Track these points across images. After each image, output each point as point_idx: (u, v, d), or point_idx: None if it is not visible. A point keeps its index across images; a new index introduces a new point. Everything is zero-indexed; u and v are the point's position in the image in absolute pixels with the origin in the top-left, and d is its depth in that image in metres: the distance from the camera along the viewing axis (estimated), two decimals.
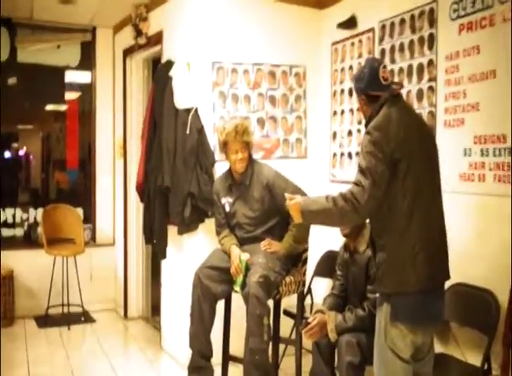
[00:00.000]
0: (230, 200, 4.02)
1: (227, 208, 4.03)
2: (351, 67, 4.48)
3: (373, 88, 2.74)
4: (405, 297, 2.59)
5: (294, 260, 4.01)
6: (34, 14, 5.61)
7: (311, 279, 4.28)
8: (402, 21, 3.94)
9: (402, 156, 2.53)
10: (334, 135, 4.72)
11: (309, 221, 2.81)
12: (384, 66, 2.79)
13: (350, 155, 4.52)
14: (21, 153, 6.59)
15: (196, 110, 4.34)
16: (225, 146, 3.93)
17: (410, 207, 2.55)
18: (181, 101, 4.37)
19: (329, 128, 4.77)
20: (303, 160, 4.85)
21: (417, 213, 2.56)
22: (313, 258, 4.29)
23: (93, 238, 6.18)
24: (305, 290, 4.13)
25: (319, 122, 4.85)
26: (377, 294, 2.84)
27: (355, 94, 2.97)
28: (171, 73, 4.48)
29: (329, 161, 4.77)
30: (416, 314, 2.59)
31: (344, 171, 4.60)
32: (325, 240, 4.40)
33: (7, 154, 6.47)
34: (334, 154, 4.72)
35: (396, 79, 3.94)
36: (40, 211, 6.00)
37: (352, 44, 4.47)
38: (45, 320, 5.56)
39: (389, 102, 2.70)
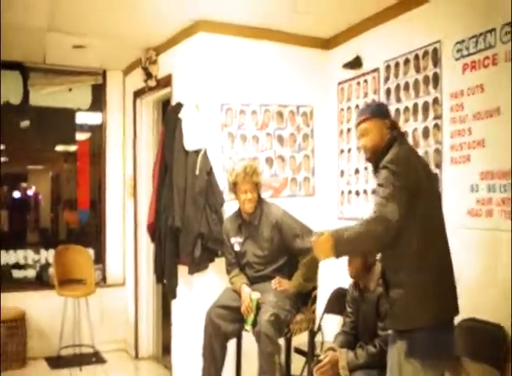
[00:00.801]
0: (240, 239, 4.08)
1: (237, 248, 4.09)
2: (357, 106, 4.55)
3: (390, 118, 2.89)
4: (421, 333, 2.61)
5: (304, 298, 4.03)
6: (47, 58, 5.72)
7: (322, 316, 4.29)
8: (407, 61, 4.02)
9: (416, 192, 2.59)
10: (342, 173, 4.77)
11: (343, 250, 2.68)
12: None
13: (358, 192, 4.56)
14: (30, 193, 6.65)
15: (205, 152, 4.41)
16: (234, 186, 4.02)
17: (424, 244, 2.60)
18: (190, 142, 4.45)
19: (337, 166, 4.83)
20: (311, 198, 4.89)
21: (430, 250, 2.62)
22: (323, 295, 4.30)
23: (104, 278, 6.18)
24: (316, 327, 4.13)
25: (327, 160, 4.92)
26: (389, 331, 2.85)
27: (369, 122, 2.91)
28: (181, 115, 4.56)
29: (338, 199, 4.81)
30: (431, 350, 2.60)
31: (352, 208, 4.63)
32: (334, 277, 4.40)
33: (16, 194, 6.53)
34: (342, 192, 4.76)
35: (402, 118, 4.01)
36: (51, 252, 6.01)
37: (358, 83, 4.55)
38: (56, 361, 5.53)
39: (399, 139, 2.79)
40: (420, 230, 2.60)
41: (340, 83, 4.77)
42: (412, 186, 2.59)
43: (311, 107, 4.89)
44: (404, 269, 2.64)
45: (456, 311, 2.74)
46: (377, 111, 2.90)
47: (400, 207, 2.54)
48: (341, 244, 2.62)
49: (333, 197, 4.85)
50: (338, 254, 2.65)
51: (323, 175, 4.94)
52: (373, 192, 4.32)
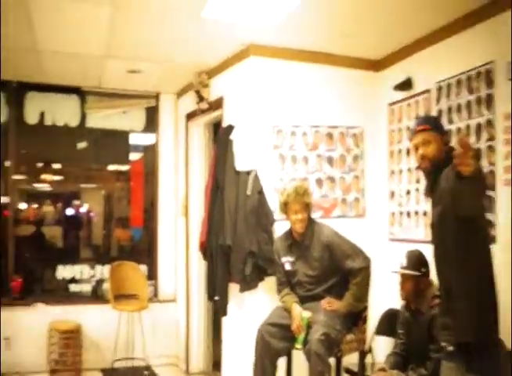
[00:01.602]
0: (291, 259, 4.06)
1: (287, 267, 4.07)
2: (408, 128, 4.48)
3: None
4: (482, 347, 2.57)
5: (354, 318, 3.99)
6: (102, 82, 5.85)
7: (372, 337, 4.21)
8: (459, 82, 3.95)
9: None
10: (392, 194, 4.70)
11: None
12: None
13: (409, 214, 4.47)
14: (83, 210, 6.77)
15: (256, 172, 4.42)
16: (285, 206, 4.01)
17: (485, 255, 2.61)
18: (241, 163, 4.48)
19: (387, 187, 4.76)
20: (361, 219, 4.83)
21: (487, 262, 2.63)
22: (374, 316, 4.23)
23: (156, 294, 6.22)
24: (366, 348, 4.06)
25: (377, 181, 4.85)
26: (449, 348, 2.74)
27: (426, 135, 2.83)
28: (232, 137, 4.60)
29: (388, 220, 4.73)
30: (493, 365, 2.56)
31: (403, 230, 4.54)
32: (385, 298, 4.35)
33: (69, 211, 6.66)
34: (393, 213, 4.68)
35: (454, 139, 3.93)
36: (106, 267, 6.10)
37: (409, 105, 4.49)
38: (111, 373, 5.59)
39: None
40: (486, 240, 2.61)
41: (390, 104, 4.72)
42: None
43: (362, 129, 4.86)
44: (467, 279, 2.60)
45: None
46: (438, 125, 2.90)
47: None
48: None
49: (384, 218, 4.78)
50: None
51: (374, 195, 4.87)
52: (425, 213, 4.24)
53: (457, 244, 2.60)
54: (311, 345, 3.61)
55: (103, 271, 6.14)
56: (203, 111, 5.41)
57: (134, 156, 6.55)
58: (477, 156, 2.50)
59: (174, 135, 6.30)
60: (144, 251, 6.49)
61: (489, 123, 3.67)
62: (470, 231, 2.56)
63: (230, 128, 4.69)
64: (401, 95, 4.56)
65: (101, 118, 6.16)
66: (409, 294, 3.58)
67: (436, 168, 2.73)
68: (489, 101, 3.68)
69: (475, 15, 3.73)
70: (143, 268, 6.20)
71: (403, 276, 3.60)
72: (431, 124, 2.84)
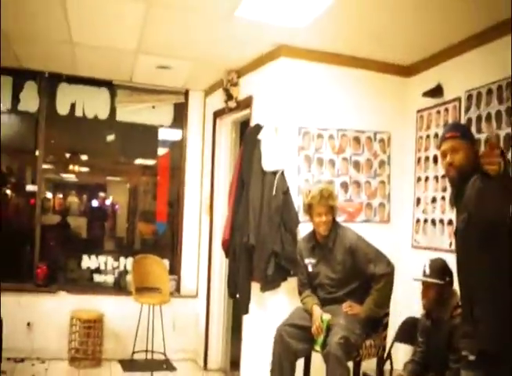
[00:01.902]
0: (313, 261, 4.06)
1: (310, 269, 4.07)
2: (436, 135, 4.44)
3: None
4: (507, 355, 2.50)
5: (375, 324, 3.97)
6: (133, 77, 5.89)
7: (392, 344, 4.18)
8: (489, 91, 3.90)
9: None
10: (418, 201, 4.66)
11: None
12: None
13: (434, 221, 4.43)
14: (108, 202, 6.84)
15: (282, 173, 4.42)
16: (309, 208, 4.00)
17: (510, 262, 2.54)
18: (268, 163, 4.47)
19: (413, 193, 4.72)
20: (385, 225, 4.80)
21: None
22: (394, 323, 4.21)
23: (177, 289, 6.25)
24: (385, 355, 4.05)
25: (403, 188, 4.82)
26: (470, 357, 2.70)
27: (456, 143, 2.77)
28: (260, 136, 4.60)
29: (412, 227, 4.69)
30: None
31: (427, 238, 4.50)
32: (406, 305, 4.33)
33: (94, 203, 6.74)
34: (418, 220, 4.64)
35: (482, 149, 3.88)
36: (129, 260, 6.16)
37: (438, 112, 4.44)
38: (130, 365, 5.64)
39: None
40: (507, 247, 2.53)
41: (419, 111, 4.68)
42: None
43: (389, 134, 4.82)
44: (491, 286, 2.56)
45: None
46: (467, 133, 2.84)
47: None
48: None
49: (408, 224, 4.74)
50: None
51: (399, 202, 4.84)
52: (450, 222, 4.20)
53: (481, 250, 2.56)
54: (330, 347, 3.60)
55: (127, 263, 6.20)
56: (231, 110, 5.42)
57: (161, 151, 6.59)
58: (505, 156, 2.40)
59: (202, 132, 6.32)
60: (167, 245, 6.53)
61: None
62: (494, 237, 2.51)
63: (258, 127, 4.69)
64: (430, 102, 4.51)
65: (130, 112, 6.19)
66: (431, 303, 3.55)
67: (463, 177, 2.67)
68: None
69: (508, 24, 3.67)
70: (166, 262, 6.23)
71: (426, 284, 3.57)
72: (461, 132, 2.78)
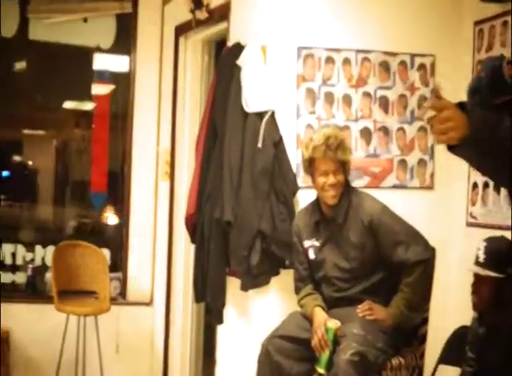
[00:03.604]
0: (317, 243, 4.16)
1: (311, 255, 4.17)
2: (503, 58, 4.53)
3: (497, 93, 2.84)
4: None
5: (407, 335, 4.10)
6: None
7: (436, 367, 4.23)
8: None
9: None
10: None
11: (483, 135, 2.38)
12: (510, 62, 2.86)
13: (498, 188, 4.47)
14: (24, 170, 6.87)
15: (272, 115, 4.50)
16: (310, 165, 4.10)
17: None
18: (252, 101, 4.52)
19: None
20: (428, 193, 4.94)
21: None
22: (438, 335, 4.29)
23: (123, 293, 6.37)
24: None
25: None
26: None
27: None
28: (240, 61, 4.66)
29: (467, 195, 4.82)
30: None
31: (488, 211, 4.59)
32: (457, 309, 4.45)
33: (5, 173, 6.74)
34: (475, 185, 4.75)
35: None
36: (50, 249, 6.21)
37: (504, 23, 4.51)
38: None
39: None
40: None
41: (477, 23, 4.78)
42: None
43: (433, 58, 4.92)
44: None
45: None
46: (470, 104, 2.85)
47: None
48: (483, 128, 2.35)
49: (461, 192, 4.87)
50: (472, 138, 2.32)
51: (447, 158, 4.87)
52: None
53: None
54: (339, 368, 3.68)
55: (46, 255, 6.28)
56: (200, 23, 5.47)
57: (99, 89, 6.64)
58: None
59: (158, 59, 6.40)
60: (109, 228, 6.67)
61: None
62: None
63: (238, 48, 4.75)
64: (494, 9, 4.58)
65: (50, 27, 6.18)
66: (485, 303, 3.62)
67: None
68: None
69: None
70: (106, 253, 6.32)
71: (478, 276, 3.64)
72: None
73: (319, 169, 4.04)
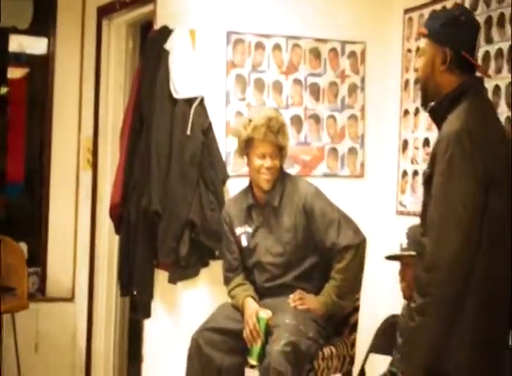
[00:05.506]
0: (249, 229, 4.34)
1: (244, 242, 4.34)
2: None
3: (468, 52, 2.93)
4: None
5: (338, 324, 4.31)
6: None
7: (366, 356, 4.35)
8: None
9: (490, 182, 2.82)
10: (405, 145, 5.00)
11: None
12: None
13: None
14: None
15: (201, 101, 4.65)
16: (248, 145, 4.26)
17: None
18: (180, 87, 4.66)
19: (398, 134, 5.06)
20: (358, 181, 5.18)
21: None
22: (369, 324, 4.45)
23: (41, 289, 6.43)
24: (356, 370, 4.31)
25: (383, 125, 5.17)
26: None
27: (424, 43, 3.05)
28: (168, 45, 4.79)
29: (397, 183, 5.05)
30: None
31: (417, 199, 4.71)
32: (387, 298, 4.67)
33: None
34: (404, 173, 5.00)
35: (493, 66, 4.26)
36: None
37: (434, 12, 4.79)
38: None
39: (473, 91, 2.96)
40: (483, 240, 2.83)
41: (407, 11, 5.01)
42: (487, 175, 2.78)
43: (364, 45, 5.16)
44: None
45: None
46: (437, 32, 2.94)
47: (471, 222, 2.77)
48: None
49: (391, 180, 5.11)
50: None
51: (377, 146, 5.19)
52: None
53: None
54: (271, 359, 3.80)
55: None
56: (124, 4, 5.58)
57: (15, 72, 6.68)
58: None
59: (80, 41, 6.48)
60: (27, 220, 6.73)
61: None
62: None
63: (165, 31, 4.88)
64: None
65: None
66: (412, 288, 3.83)
67: (429, 95, 2.99)
68: None
69: None
70: (23, 247, 6.34)
71: (404, 263, 3.78)
72: (427, 28, 3.00)
73: (256, 151, 4.21)
